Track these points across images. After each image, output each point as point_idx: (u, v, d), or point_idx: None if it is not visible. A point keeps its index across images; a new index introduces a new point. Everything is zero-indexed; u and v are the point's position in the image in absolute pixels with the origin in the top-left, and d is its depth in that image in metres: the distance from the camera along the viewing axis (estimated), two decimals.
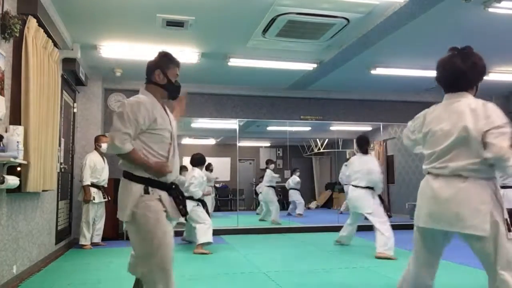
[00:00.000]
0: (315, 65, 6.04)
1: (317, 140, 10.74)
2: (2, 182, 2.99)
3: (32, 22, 3.62)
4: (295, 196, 9.65)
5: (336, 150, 10.27)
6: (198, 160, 5.78)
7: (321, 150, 10.77)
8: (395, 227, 7.17)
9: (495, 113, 2.06)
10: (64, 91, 5.48)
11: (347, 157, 9.35)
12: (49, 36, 4.16)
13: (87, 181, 5.62)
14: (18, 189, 3.39)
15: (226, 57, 5.74)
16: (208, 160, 8.65)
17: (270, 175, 8.52)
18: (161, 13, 4.36)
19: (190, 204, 5.45)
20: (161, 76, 2.48)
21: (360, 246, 5.48)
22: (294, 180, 9.67)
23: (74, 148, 6.27)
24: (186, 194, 5.57)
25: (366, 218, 5.20)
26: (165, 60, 2.53)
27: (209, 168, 8.91)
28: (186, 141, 9.78)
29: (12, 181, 3.12)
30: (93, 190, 5.70)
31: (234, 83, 7.37)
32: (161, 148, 2.37)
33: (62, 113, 5.29)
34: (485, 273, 2.08)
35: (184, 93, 2.62)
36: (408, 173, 9.10)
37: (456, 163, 2.07)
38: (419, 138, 2.31)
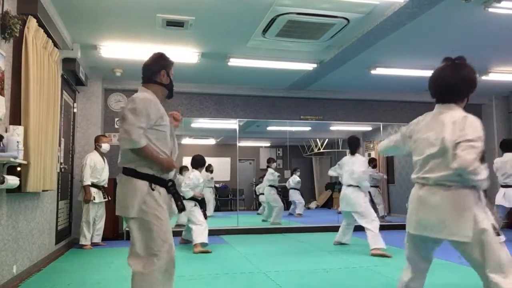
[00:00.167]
0: (315, 65, 6.04)
1: (317, 140, 10.74)
2: (2, 182, 2.99)
3: (32, 22, 3.62)
4: (295, 196, 9.64)
5: (336, 150, 10.27)
6: (197, 162, 5.81)
7: (321, 150, 10.77)
8: (395, 227, 7.24)
9: (470, 127, 2.09)
10: (64, 91, 5.48)
11: None
12: (49, 36, 4.16)
13: (87, 181, 5.62)
14: (18, 189, 3.39)
15: (226, 57, 5.74)
16: (208, 160, 8.65)
17: (271, 174, 8.43)
18: (161, 13, 4.36)
19: (188, 205, 5.48)
20: (165, 76, 2.56)
21: (360, 246, 5.48)
22: (294, 180, 9.66)
23: (74, 148, 6.27)
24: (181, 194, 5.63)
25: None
26: (168, 61, 2.61)
27: (209, 168, 8.91)
28: (186, 141, 9.78)
29: (12, 181, 3.12)
30: (94, 190, 5.69)
31: (234, 83, 7.37)
32: (164, 145, 2.45)
33: (62, 113, 5.29)
34: None
35: (179, 113, 2.76)
36: (408, 173, 9.09)
37: (436, 174, 2.16)
38: (412, 143, 2.39)
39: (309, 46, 5.34)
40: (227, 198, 10.80)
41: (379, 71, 6.36)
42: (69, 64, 5.23)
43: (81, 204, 5.79)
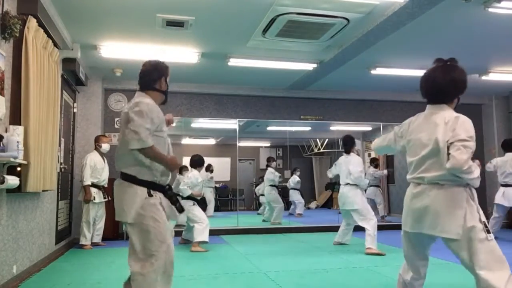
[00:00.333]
0: (315, 65, 6.04)
1: (317, 140, 10.74)
2: (2, 182, 2.99)
3: (32, 22, 3.62)
4: (295, 196, 9.63)
5: (336, 150, 10.24)
6: (196, 162, 5.84)
7: (321, 150, 10.76)
8: (395, 227, 7.24)
9: (462, 127, 2.14)
10: (64, 91, 5.48)
11: None
12: (49, 36, 4.16)
13: (87, 181, 5.62)
14: (18, 189, 3.39)
15: (226, 57, 5.74)
16: (208, 160, 8.63)
17: (271, 174, 8.39)
18: (161, 13, 4.36)
19: (186, 204, 5.49)
20: (164, 83, 2.65)
21: (360, 246, 5.47)
22: (294, 180, 9.66)
23: (74, 148, 6.27)
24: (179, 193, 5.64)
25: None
26: (166, 68, 2.69)
27: (209, 168, 8.90)
28: (186, 141, 9.78)
29: (12, 181, 3.12)
30: (94, 190, 5.69)
31: (234, 83, 7.37)
32: (163, 150, 2.52)
33: (62, 113, 5.29)
34: None
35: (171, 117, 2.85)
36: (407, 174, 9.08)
37: (431, 174, 2.21)
38: (405, 144, 2.44)
39: (309, 46, 5.34)
40: (227, 198, 10.79)
41: (379, 71, 6.36)
42: (69, 64, 5.23)
43: (81, 204, 5.79)
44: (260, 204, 9.86)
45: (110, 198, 5.89)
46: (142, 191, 2.40)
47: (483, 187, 7.62)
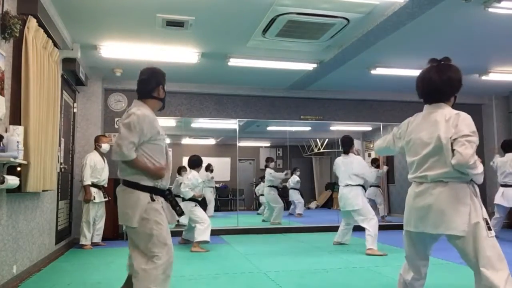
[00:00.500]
0: (315, 65, 6.04)
1: (317, 140, 10.74)
2: (2, 182, 2.99)
3: (32, 22, 3.62)
4: (294, 195, 9.63)
5: (336, 150, 10.23)
6: (194, 162, 5.82)
7: (321, 150, 10.76)
8: (395, 227, 7.24)
9: (464, 123, 2.16)
10: (64, 91, 5.48)
11: None
12: (49, 36, 4.16)
13: (87, 181, 5.62)
14: (18, 189, 3.39)
15: (226, 57, 5.74)
16: (208, 160, 8.63)
17: (269, 174, 8.38)
18: (161, 13, 4.36)
19: (188, 205, 5.49)
20: (162, 91, 2.72)
21: (360, 246, 5.47)
22: (294, 179, 9.65)
23: (74, 148, 6.27)
24: (181, 195, 5.65)
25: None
26: (163, 76, 2.75)
27: (209, 168, 8.90)
28: (186, 141, 9.78)
29: (12, 181, 3.12)
30: (94, 190, 5.69)
31: (234, 83, 7.37)
32: (160, 158, 2.61)
33: (62, 113, 5.29)
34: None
35: None
36: (408, 173, 9.08)
37: (434, 172, 2.21)
38: (403, 145, 2.45)
39: (309, 46, 5.34)
40: (227, 198, 10.79)
41: (379, 71, 6.37)
42: (69, 64, 5.23)
43: (81, 204, 5.78)
44: (260, 204, 9.86)
45: (110, 198, 5.89)
46: (145, 196, 2.50)
47: (483, 187, 7.61)
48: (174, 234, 5.74)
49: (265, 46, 5.34)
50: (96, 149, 5.93)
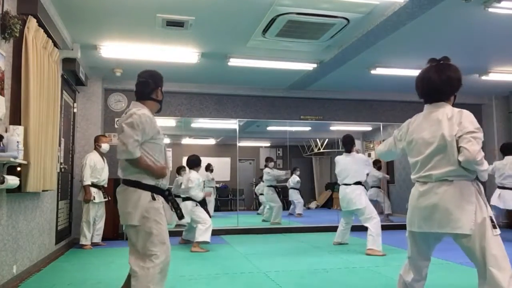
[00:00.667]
0: (315, 65, 6.04)
1: (317, 140, 10.74)
2: (2, 182, 2.99)
3: (32, 22, 3.62)
4: (294, 195, 9.62)
5: (336, 150, 10.25)
6: (193, 162, 5.81)
7: (321, 150, 10.76)
8: (395, 227, 7.24)
9: (467, 119, 2.17)
10: (64, 91, 5.48)
11: None
12: (49, 36, 4.16)
13: (87, 181, 5.62)
14: (18, 189, 3.39)
15: (226, 57, 5.74)
16: (208, 160, 8.62)
17: (266, 174, 8.35)
18: (161, 13, 4.36)
19: (189, 205, 5.49)
20: (160, 93, 2.78)
21: (360, 246, 5.47)
22: (294, 179, 9.65)
23: (74, 148, 6.27)
24: (183, 196, 5.64)
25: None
26: (161, 78, 2.80)
27: (209, 168, 8.90)
28: (186, 141, 9.77)
29: (12, 181, 3.12)
30: (93, 190, 5.69)
31: (234, 83, 7.37)
32: (160, 157, 2.66)
33: (62, 113, 5.29)
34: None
35: None
36: (408, 173, 9.03)
37: (438, 171, 2.20)
38: (404, 146, 2.45)
39: (309, 46, 5.34)
40: (227, 198, 10.79)
41: (379, 71, 6.37)
42: (69, 64, 5.23)
43: (81, 204, 5.78)
44: (260, 204, 9.85)
45: (110, 198, 5.89)
46: (146, 195, 2.53)
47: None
48: (174, 234, 5.77)
49: (265, 46, 5.34)
50: (96, 149, 5.93)
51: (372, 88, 7.74)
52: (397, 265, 4.12)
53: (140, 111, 2.59)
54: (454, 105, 2.35)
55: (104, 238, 6.02)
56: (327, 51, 5.55)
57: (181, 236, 6.11)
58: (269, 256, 5.10)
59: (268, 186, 8.34)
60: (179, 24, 4.60)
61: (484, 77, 6.73)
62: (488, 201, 6.85)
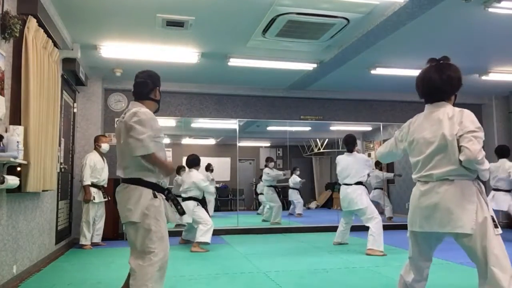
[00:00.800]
0: (315, 65, 6.04)
1: (317, 140, 10.74)
2: (2, 182, 2.99)
3: (32, 22, 3.62)
4: (293, 195, 9.62)
5: (336, 150, 10.26)
6: (193, 161, 5.82)
7: (321, 150, 10.76)
8: (395, 227, 7.24)
9: (468, 119, 2.17)
10: (64, 91, 5.48)
11: None
12: (49, 36, 4.16)
13: (87, 181, 5.62)
14: (18, 189, 3.39)
15: (226, 57, 5.74)
16: (208, 160, 8.61)
17: (265, 174, 8.34)
18: (161, 13, 4.36)
19: (191, 205, 5.49)
20: (158, 93, 2.81)
21: (359, 246, 5.47)
22: (295, 179, 9.64)
23: (74, 148, 6.27)
24: (184, 195, 5.64)
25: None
26: (159, 79, 2.83)
27: (209, 168, 8.90)
28: (186, 141, 9.77)
29: (12, 181, 3.12)
30: (93, 190, 5.69)
31: (234, 83, 7.37)
32: (162, 155, 2.68)
33: (62, 113, 5.29)
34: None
35: None
36: (408, 173, 9.07)
37: (439, 170, 2.20)
38: (406, 147, 2.45)
39: (309, 46, 5.34)
40: (227, 198, 10.79)
41: (379, 71, 6.37)
42: (69, 64, 5.23)
43: (81, 204, 5.78)
44: (260, 204, 9.85)
45: (109, 198, 5.89)
46: (148, 192, 2.55)
47: None
48: (174, 234, 5.77)
49: (265, 46, 5.34)
50: (96, 149, 5.93)
51: (372, 88, 7.74)
52: (397, 265, 4.13)
53: (143, 109, 2.62)
54: (454, 105, 2.35)
55: (104, 238, 6.02)
56: (327, 51, 5.55)
57: (181, 236, 6.11)
58: (269, 256, 5.10)
59: (268, 186, 8.34)
60: (179, 24, 4.60)
61: (484, 77, 6.73)
62: None
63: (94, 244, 5.81)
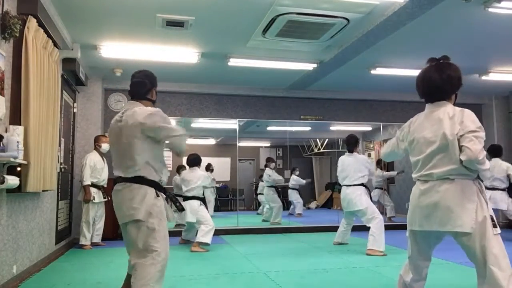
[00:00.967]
0: (315, 65, 6.04)
1: (317, 140, 10.74)
2: (2, 182, 2.99)
3: (32, 22, 3.62)
4: (293, 195, 9.61)
5: (336, 150, 10.26)
6: (194, 161, 5.85)
7: (321, 150, 10.76)
8: (395, 227, 7.24)
9: (469, 118, 2.18)
10: (64, 91, 5.48)
11: None
12: (49, 36, 4.16)
13: (87, 181, 5.62)
14: (18, 189, 3.39)
15: (226, 57, 5.74)
16: (208, 160, 8.61)
17: (266, 175, 8.33)
18: (161, 13, 4.36)
19: (195, 204, 5.49)
20: (154, 93, 2.83)
21: (360, 246, 5.47)
22: (293, 180, 9.63)
23: (74, 148, 6.27)
24: (188, 194, 5.63)
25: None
26: (156, 79, 2.83)
27: (209, 168, 8.90)
28: (186, 141, 9.76)
29: (12, 181, 3.12)
30: (93, 190, 5.69)
31: (234, 83, 7.37)
32: (163, 151, 2.72)
33: (62, 113, 5.29)
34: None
35: None
36: (408, 173, 9.08)
37: (440, 169, 2.20)
38: (406, 146, 2.46)
39: (309, 46, 5.34)
40: (227, 198, 10.79)
41: (379, 71, 6.36)
42: (69, 64, 5.23)
43: (81, 204, 5.78)
44: (260, 204, 9.85)
45: (109, 198, 5.88)
46: (151, 191, 2.56)
47: None
48: (174, 234, 5.76)
49: (265, 46, 5.34)
50: (96, 149, 5.93)
51: (372, 88, 7.74)
52: (397, 265, 4.13)
53: (150, 108, 2.65)
54: (455, 104, 2.35)
55: (104, 238, 6.02)
56: (327, 51, 5.55)
57: (181, 236, 6.11)
58: (269, 256, 5.10)
59: (268, 186, 8.33)
60: (179, 24, 4.60)
61: (484, 77, 6.73)
62: None
63: (94, 244, 5.81)
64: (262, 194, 8.71)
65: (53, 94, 4.30)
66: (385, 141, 9.56)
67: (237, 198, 9.43)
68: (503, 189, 6.15)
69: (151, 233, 2.50)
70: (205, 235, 5.37)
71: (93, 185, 5.70)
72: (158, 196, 2.57)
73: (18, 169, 3.43)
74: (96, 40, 5.19)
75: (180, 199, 5.91)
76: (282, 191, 8.76)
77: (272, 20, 4.51)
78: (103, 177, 5.86)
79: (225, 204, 10.80)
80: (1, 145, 3.00)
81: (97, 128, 6.56)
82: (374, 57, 5.85)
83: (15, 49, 3.47)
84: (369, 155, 9.83)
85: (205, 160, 6.40)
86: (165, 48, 5.40)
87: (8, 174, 3.17)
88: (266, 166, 8.57)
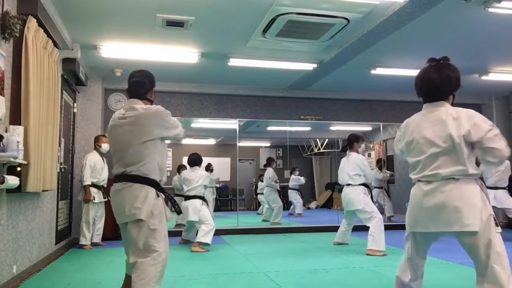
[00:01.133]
0: (315, 65, 6.04)
1: (317, 140, 10.74)
2: (2, 182, 2.99)
3: (32, 22, 3.62)
4: (293, 195, 9.62)
5: (336, 150, 10.27)
6: (195, 160, 5.86)
7: (321, 150, 10.77)
8: (395, 227, 7.23)
9: (479, 118, 2.19)
10: (64, 91, 5.48)
11: None
12: (49, 36, 4.16)
13: (87, 181, 5.62)
14: (18, 189, 3.39)
15: (226, 57, 5.74)
16: (208, 160, 8.61)
17: (268, 179, 8.31)
18: (161, 13, 4.36)
19: (197, 203, 5.49)
20: (153, 93, 2.85)
21: (360, 246, 5.48)
22: (292, 180, 9.63)
23: (74, 148, 6.27)
24: (190, 194, 5.63)
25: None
26: (155, 80, 2.84)
27: (209, 168, 8.90)
28: (186, 141, 9.76)
29: (12, 181, 3.12)
30: (93, 190, 5.69)
31: (234, 83, 7.37)
32: (165, 148, 2.77)
33: (62, 113, 5.29)
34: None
35: None
36: (408, 173, 9.07)
37: (445, 170, 2.19)
38: (403, 147, 2.45)
39: (309, 46, 5.34)
40: (227, 198, 10.80)
41: (379, 71, 6.36)
42: (69, 64, 5.23)
43: (81, 204, 5.78)
44: (260, 204, 9.86)
45: (109, 198, 5.88)
46: (152, 192, 2.57)
47: None
48: (174, 234, 5.77)
49: (265, 46, 5.34)
50: (96, 149, 5.93)
51: (372, 88, 7.74)
52: (397, 265, 4.12)
53: (150, 106, 2.70)
54: (453, 104, 2.35)
55: (104, 238, 6.02)
56: (327, 51, 5.55)
57: (181, 236, 6.11)
58: (269, 256, 5.10)
59: (268, 186, 8.34)
60: (179, 24, 4.60)
61: (484, 77, 6.73)
62: None
63: (94, 244, 5.81)
64: (262, 194, 8.71)
65: (53, 94, 4.30)
66: (385, 141, 9.58)
67: (237, 198, 9.43)
68: (504, 188, 6.17)
69: (152, 233, 2.50)
70: (205, 235, 5.37)
71: (93, 185, 5.70)
72: (158, 196, 2.58)
73: (18, 169, 3.43)
74: (96, 40, 5.19)
75: (181, 198, 5.93)
76: (282, 191, 8.76)
77: (272, 20, 4.51)
78: (103, 177, 5.86)
79: (225, 204, 10.80)
80: (1, 145, 3.00)
81: (97, 128, 6.56)
82: (374, 57, 5.85)
83: (15, 49, 3.48)
84: (369, 155, 9.83)
85: (205, 160, 6.39)
86: (165, 48, 5.40)
87: (8, 174, 3.18)
88: (266, 166, 8.57)
